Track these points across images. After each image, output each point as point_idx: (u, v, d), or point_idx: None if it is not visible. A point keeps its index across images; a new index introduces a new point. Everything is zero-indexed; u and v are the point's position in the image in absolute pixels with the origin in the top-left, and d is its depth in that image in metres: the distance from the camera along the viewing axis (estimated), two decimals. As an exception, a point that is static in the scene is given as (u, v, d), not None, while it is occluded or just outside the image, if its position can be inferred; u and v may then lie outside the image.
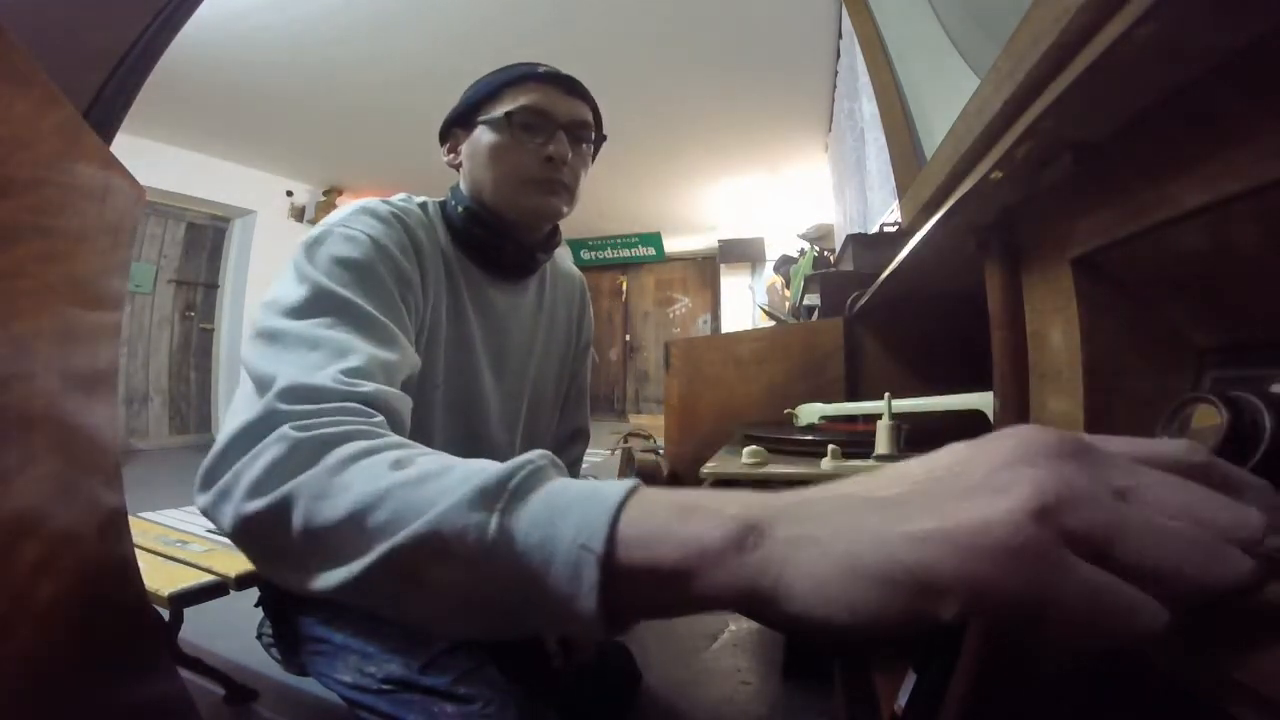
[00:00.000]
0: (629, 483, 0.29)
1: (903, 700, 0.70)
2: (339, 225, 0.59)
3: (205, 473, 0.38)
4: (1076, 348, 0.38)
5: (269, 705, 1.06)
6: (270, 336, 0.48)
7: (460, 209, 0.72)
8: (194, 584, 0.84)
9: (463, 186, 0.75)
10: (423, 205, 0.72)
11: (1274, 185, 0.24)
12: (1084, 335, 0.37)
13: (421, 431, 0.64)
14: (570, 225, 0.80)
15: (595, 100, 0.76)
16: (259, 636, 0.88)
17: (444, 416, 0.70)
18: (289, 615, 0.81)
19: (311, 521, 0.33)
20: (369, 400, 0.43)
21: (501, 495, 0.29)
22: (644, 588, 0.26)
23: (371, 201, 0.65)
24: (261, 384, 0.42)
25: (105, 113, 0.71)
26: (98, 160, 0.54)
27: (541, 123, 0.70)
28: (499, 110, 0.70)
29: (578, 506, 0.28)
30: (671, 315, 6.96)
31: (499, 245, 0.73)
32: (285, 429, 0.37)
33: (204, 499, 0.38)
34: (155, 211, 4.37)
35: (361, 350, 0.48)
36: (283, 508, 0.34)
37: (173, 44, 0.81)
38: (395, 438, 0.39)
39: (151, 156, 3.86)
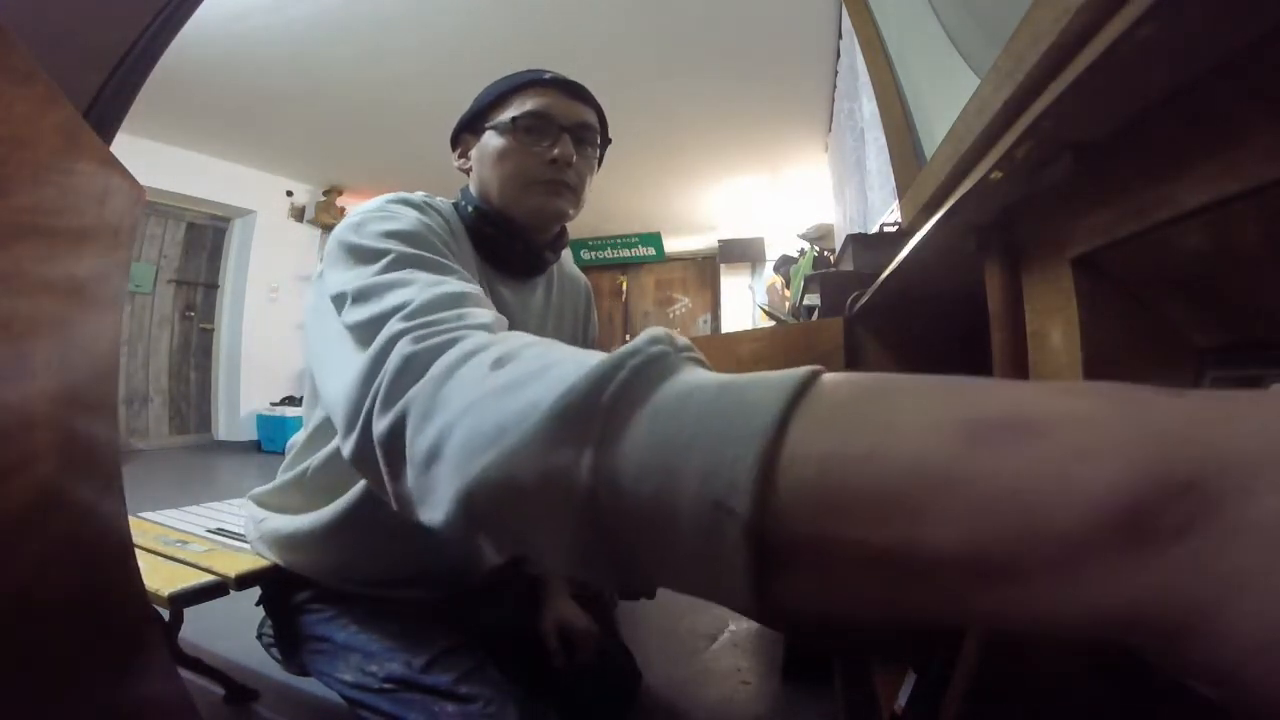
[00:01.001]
0: (796, 375, 0.19)
1: (903, 700, 0.70)
2: (375, 211, 0.57)
3: (345, 417, 0.36)
4: (1076, 348, 0.38)
5: (269, 705, 1.06)
6: (362, 295, 0.44)
7: (471, 208, 0.73)
8: (194, 584, 0.83)
9: (472, 189, 0.75)
10: (441, 202, 0.73)
11: (1274, 185, 0.24)
12: (1084, 335, 0.37)
13: None
14: (571, 225, 0.80)
15: (600, 105, 0.77)
16: (259, 636, 0.88)
17: None
18: (290, 614, 0.81)
19: (415, 445, 0.29)
20: (479, 302, 0.42)
21: (593, 420, 0.21)
22: (852, 573, 0.15)
23: (399, 194, 0.64)
24: (374, 324, 0.39)
25: (105, 113, 0.71)
26: (98, 160, 0.54)
27: (545, 126, 0.71)
28: (505, 115, 0.72)
29: (706, 431, 0.18)
30: (671, 315, 6.96)
31: (509, 245, 0.74)
32: (403, 343, 0.34)
33: (349, 444, 0.35)
34: (155, 211, 4.37)
35: (452, 282, 0.45)
36: (399, 427, 0.31)
37: (173, 44, 0.81)
38: (508, 332, 0.36)
39: (151, 156, 3.86)
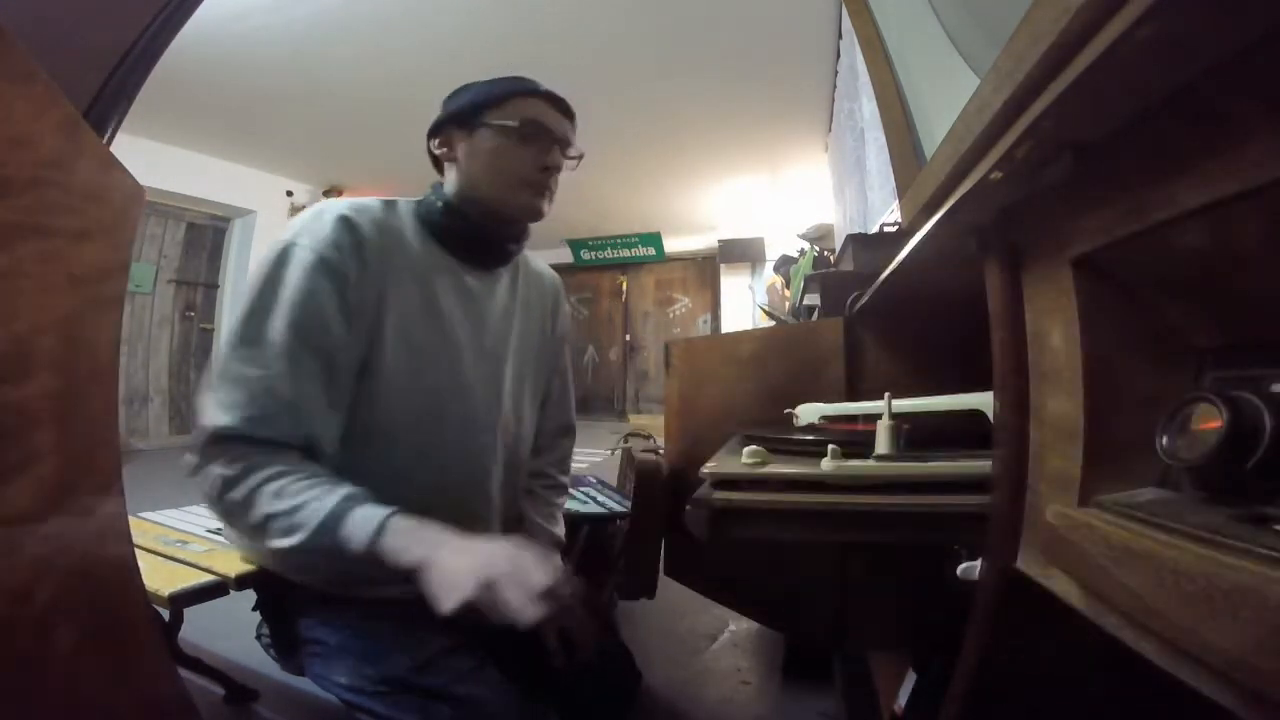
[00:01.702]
0: (384, 513, 0.63)
1: (903, 700, 0.70)
2: (295, 241, 0.71)
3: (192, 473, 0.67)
4: (1076, 348, 0.38)
5: (269, 705, 1.06)
6: (222, 368, 0.67)
7: (441, 204, 0.80)
8: (194, 584, 0.83)
9: (451, 180, 0.81)
10: (390, 204, 0.79)
11: (1274, 185, 0.24)
12: (1084, 335, 0.37)
13: (390, 410, 0.76)
14: (571, 225, 0.83)
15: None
16: (258, 637, 0.88)
17: (422, 400, 0.78)
18: (285, 618, 0.81)
19: (242, 524, 0.66)
20: (270, 440, 0.66)
21: (333, 529, 0.62)
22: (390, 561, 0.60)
23: (330, 206, 0.74)
24: (209, 416, 0.65)
25: (105, 113, 0.71)
26: (98, 160, 0.54)
27: (541, 136, 0.79)
28: (506, 119, 0.78)
29: (362, 525, 0.62)
30: (671, 315, 6.96)
31: (479, 236, 0.82)
32: (215, 467, 0.64)
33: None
34: (155, 211, 4.37)
35: (279, 393, 0.67)
36: (228, 515, 0.68)
37: (173, 44, 0.81)
38: (274, 468, 0.64)
39: (151, 156, 3.86)
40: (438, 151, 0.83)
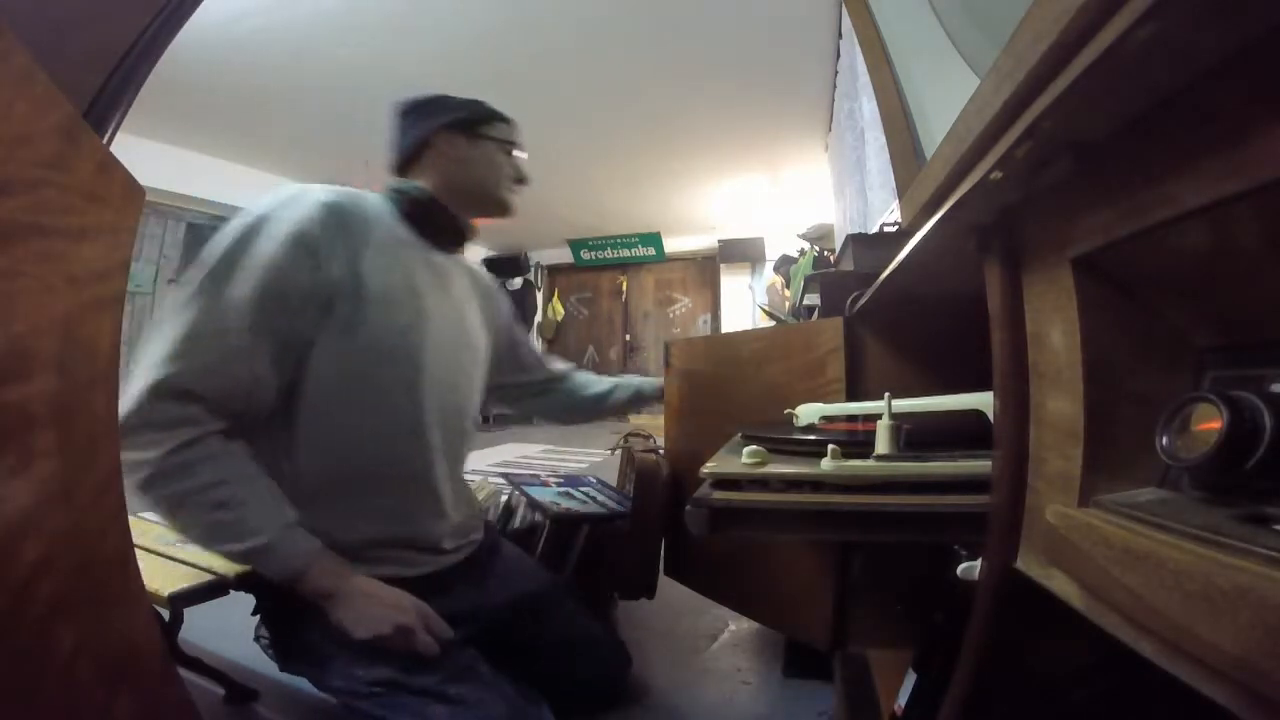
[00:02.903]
0: (313, 548, 0.76)
1: (903, 700, 0.70)
2: (271, 215, 0.78)
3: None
4: (1076, 348, 0.38)
5: (269, 705, 1.06)
6: (174, 321, 0.72)
7: (414, 194, 0.95)
8: (194, 584, 0.83)
9: (437, 173, 0.97)
10: (359, 193, 0.91)
11: (1274, 185, 0.24)
12: (1084, 335, 0.37)
13: (412, 366, 0.86)
14: (571, 225, 0.84)
15: None
16: (257, 639, 0.88)
17: (432, 354, 0.89)
18: (282, 624, 0.81)
19: (168, 514, 0.74)
20: (208, 398, 0.72)
21: (268, 552, 0.73)
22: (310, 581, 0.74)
23: (311, 190, 0.82)
24: (151, 368, 0.70)
25: (105, 113, 0.71)
26: (98, 160, 0.54)
27: (516, 155, 1.04)
28: (501, 135, 1.01)
29: (291, 556, 0.74)
30: (671, 315, 6.95)
31: (454, 222, 0.99)
32: (143, 451, 0.69)
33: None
34: (155, 211, 4.36)
35: (235, 349, 0.72)
36: (156, 505, 0.73)
37: (173, 44, 0.80)
38: (208, 471, 0.71)
39: (151, 156, 3.86)
40: (445, 147, 0.97)
